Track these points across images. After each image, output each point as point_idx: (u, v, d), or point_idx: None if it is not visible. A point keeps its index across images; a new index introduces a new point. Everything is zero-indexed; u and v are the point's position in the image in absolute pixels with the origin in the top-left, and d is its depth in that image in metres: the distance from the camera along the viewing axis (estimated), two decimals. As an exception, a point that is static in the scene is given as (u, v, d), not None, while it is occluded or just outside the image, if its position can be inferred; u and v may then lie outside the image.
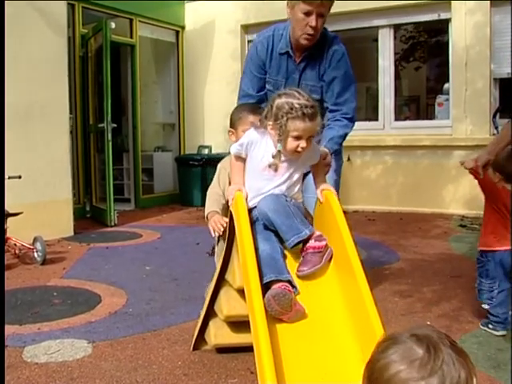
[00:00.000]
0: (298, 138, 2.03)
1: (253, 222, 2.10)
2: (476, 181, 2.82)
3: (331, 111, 2.81)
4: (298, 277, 2.01)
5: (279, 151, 2.08)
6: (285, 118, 2.01)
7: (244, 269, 1.93)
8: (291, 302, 1.87)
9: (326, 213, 2.15)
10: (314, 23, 2.60)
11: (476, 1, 6.31)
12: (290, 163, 2.14)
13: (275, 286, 1.90)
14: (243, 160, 2.20)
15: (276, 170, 2.11)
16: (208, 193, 2.58)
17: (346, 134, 2.79)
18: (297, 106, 2.00)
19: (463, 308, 3.19)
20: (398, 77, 7.63)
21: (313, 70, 2.80)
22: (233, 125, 2.57)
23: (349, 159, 6.27)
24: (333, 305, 1.94)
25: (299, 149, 2.05)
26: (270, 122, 2.08)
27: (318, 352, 1.79)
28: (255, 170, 2.16)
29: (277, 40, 2.80)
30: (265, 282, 1.91)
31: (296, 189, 2.20)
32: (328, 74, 2.79)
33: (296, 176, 2.17)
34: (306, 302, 1.94)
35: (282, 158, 2.11)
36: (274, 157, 2.08)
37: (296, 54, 2.78)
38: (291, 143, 2.04)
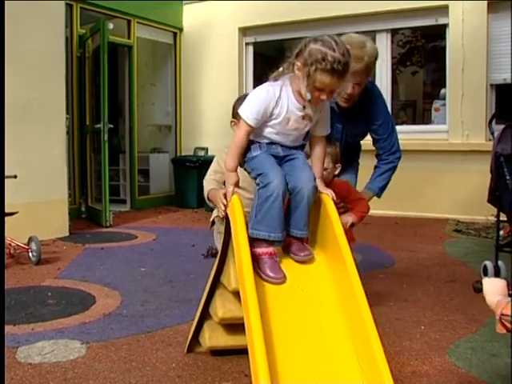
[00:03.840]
0: (320, 89, 1.96)
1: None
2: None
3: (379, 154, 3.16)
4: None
5: (309, 100, 1.99)
6: (313, 67, 1.90)
7: (239, 271, 1.93)
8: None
9: (322, 216, 2.15)
10: (349, 90, 2.62)
11: (473, 6, 6.34)
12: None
13: (265, 255, 2.01)
14: (250, 135, 2.11)
15: (311, 120, 2.05)
16: (205, 180, 2.66)
17: (390, 169, 3.23)
18: (330, 58, 1.88)
19: (457, 313, 3.20)
20: (394, 81, 7.65)
21: (357, 118, 2.90)
22: (236, 114, 2.44)
23: (345, 163, 6.28)
24: (328, 308, 1.94)
25: (319, 100, 2.00)
26: (299, 64, 1.97)
27: (313, 356, 1.79)
28: (279, 127, 2.09)
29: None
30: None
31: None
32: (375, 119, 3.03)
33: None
34: (301, 306, 1.94)
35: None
36: (305, 107, 2.02)
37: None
38: (313, 92, 1.97)
